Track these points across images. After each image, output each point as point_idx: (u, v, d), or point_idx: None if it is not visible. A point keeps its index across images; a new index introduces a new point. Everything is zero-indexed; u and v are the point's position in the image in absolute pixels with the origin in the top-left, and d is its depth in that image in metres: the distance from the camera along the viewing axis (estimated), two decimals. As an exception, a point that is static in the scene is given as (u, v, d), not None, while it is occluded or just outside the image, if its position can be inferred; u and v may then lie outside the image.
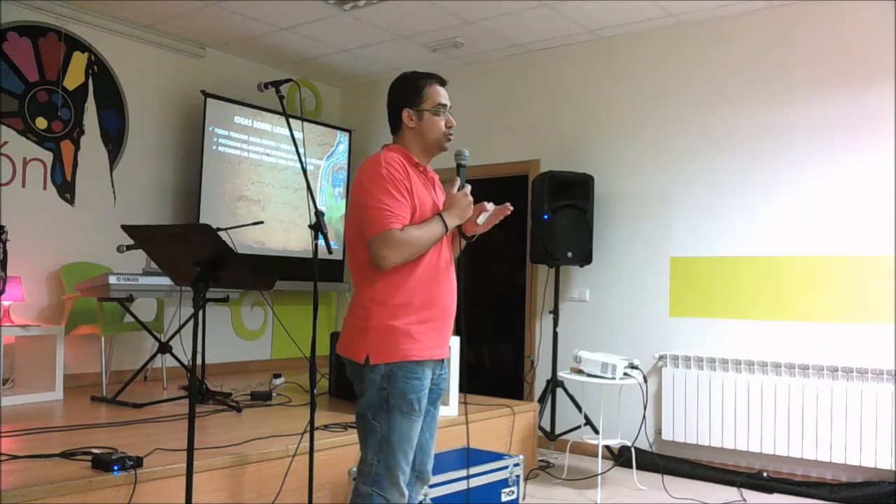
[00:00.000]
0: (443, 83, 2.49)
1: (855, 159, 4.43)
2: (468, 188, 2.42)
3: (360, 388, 2.36)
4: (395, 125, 2.49)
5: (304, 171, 2.89)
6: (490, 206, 2.45)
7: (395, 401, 2.29)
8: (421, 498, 2.55)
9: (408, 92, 2.45)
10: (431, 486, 3.10)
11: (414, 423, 2.32)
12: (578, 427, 4.87)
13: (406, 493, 2.34)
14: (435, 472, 2.63)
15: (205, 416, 4.03)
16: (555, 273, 5.30)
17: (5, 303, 4.56)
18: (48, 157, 5.10)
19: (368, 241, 2.28)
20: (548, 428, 5.02)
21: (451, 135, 2.46)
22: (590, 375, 4.35)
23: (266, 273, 4.25)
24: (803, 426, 4.36)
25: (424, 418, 2.43)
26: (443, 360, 2.47)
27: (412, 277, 2.32)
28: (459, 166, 2.45)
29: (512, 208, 2.47)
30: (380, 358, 2.29)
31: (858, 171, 4.42)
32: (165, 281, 4.41)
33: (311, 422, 2.82)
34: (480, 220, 2.44)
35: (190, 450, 2.50)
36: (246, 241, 5.88)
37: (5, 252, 3.54)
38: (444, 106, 2.44)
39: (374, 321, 2.31)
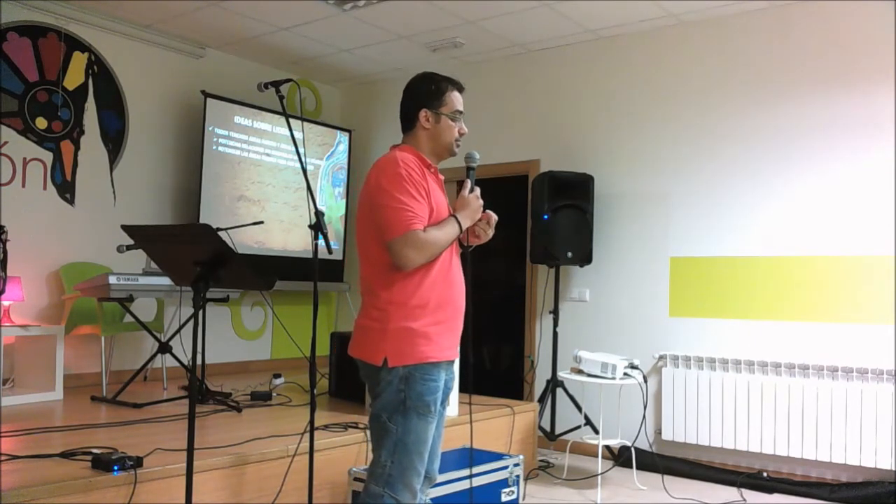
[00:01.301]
0: (462, 90, 2.51)
1: (855, 159, 4.43)
2: (478, 191, 2.44)
3: (375, 390, 2.35)
4: (409, 124, 2.47)
5: (304, 171, 2.89)
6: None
7: (412, 403, 2.29)
8: (424, 498, 2.54)
9: (429, 93, 2.45)
10: (431, 487, 3.10)
11: (429, 424, 2.33)
12: (578, 427, 4.87)
13: (418, 495, 2.35)
14: (436, 472, 2.63)
15: (205, 416, 4.03)
16: (555, 273, 5.30)
17: (5, 303, 4.55)
18: (48, 157, 5.10)
19: (389, 243, 2.27)
20: (548, 428, 5.02)
21: (460, 142, 2.49)
22: (590, 375, 4.35)
23: (266, 273, 4.25)
24: (803, 426, 4.36)
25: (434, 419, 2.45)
26: (452, 361, 2.48)
27: (428, 278, 2.33)
28: (469, 169, 2.48)
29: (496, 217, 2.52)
30: (398, 360, 2.29)
31: (858, 171, 4.42)
32: (165, 281, 4.41)
33: (311, 422, 2.82)
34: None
35: (190, 450, 2.50)
36: (246, 241, 5.88)
37: (5, 252, 3.54)
38: (461, 113, 2.48)
39: (392, 323, 2.30)
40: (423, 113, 2.43)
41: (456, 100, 2.46)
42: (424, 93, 2.45)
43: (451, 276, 2.40)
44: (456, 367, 3.96)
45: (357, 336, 2.41)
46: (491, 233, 2.51)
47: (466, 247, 2.53)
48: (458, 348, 2.47)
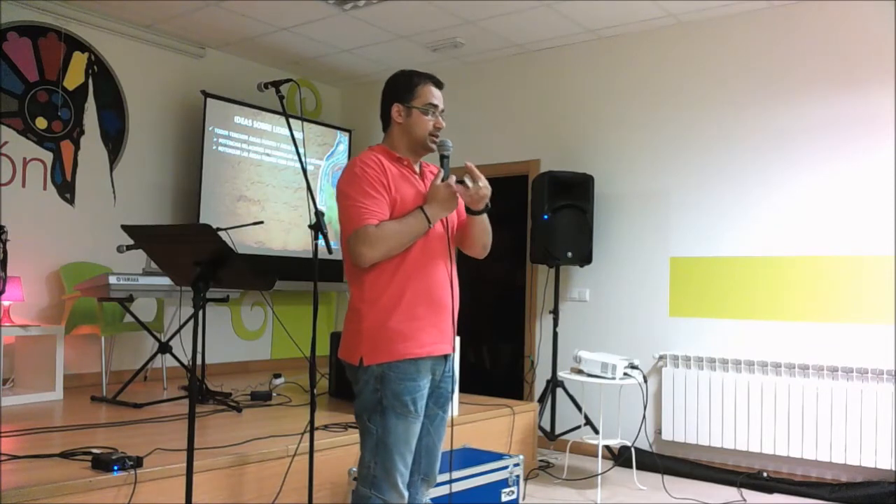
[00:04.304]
0: (438, 85, 2.46)
1: (855, 159, 4.43)
2: (452, 178, 2.33)
3: (356, 390, 2.35)
4: (385, 121, 2.47)
5: (304, 171, 2.90)
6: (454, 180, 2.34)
7: (388, 402, 2.27)
8: (424, 499, 2.53)
9: (401, 88, 2.43)
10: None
11: (410, 424, 2.29)
12: (578, 427, 4.87)
13: (405, 494, 2.33)
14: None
15: (205, 416, 4.03)
16: (555, 273, 5.30)
17: (5, 303, 4.55)
18: (48, 157, 5.10)
19: (346, 241, 2.31)
20: (548, 428, 5.02)
21: (437, 136, 2.41)
22: (590, 375, 4.35)
23: (266, 273, 4.25)
24: (803, 426, 4.36)
25: (433, 422, 2.41)
26: (446, 358, 2.42)
27: (399, 275, 2.30)
28: (443, 157, 2.39)
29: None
30: (372, 359, 2.28)
31: (858, 171, 4.42)
32: (165, 281, 4.40)
33: (311, 422, 2.82)
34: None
35: (190, 450, 2.50)
36: (246, 241, 5.88)
37: (5, 252, 3.54)
38: (435, 106, 2.41)
39: (366, 322, 2.30)
40: (395, 108, 2.41)
41: (429, 93, 2.40)
42: (397, 88, 2.43)
43: (429, 269, 2.34)
44: (457, 366, 3.97)
45: (342, 337, 2.41)
46: (483, 185, 2.31)
47: (479, 212, 2.38)
48: (449, 345, 2.40)
